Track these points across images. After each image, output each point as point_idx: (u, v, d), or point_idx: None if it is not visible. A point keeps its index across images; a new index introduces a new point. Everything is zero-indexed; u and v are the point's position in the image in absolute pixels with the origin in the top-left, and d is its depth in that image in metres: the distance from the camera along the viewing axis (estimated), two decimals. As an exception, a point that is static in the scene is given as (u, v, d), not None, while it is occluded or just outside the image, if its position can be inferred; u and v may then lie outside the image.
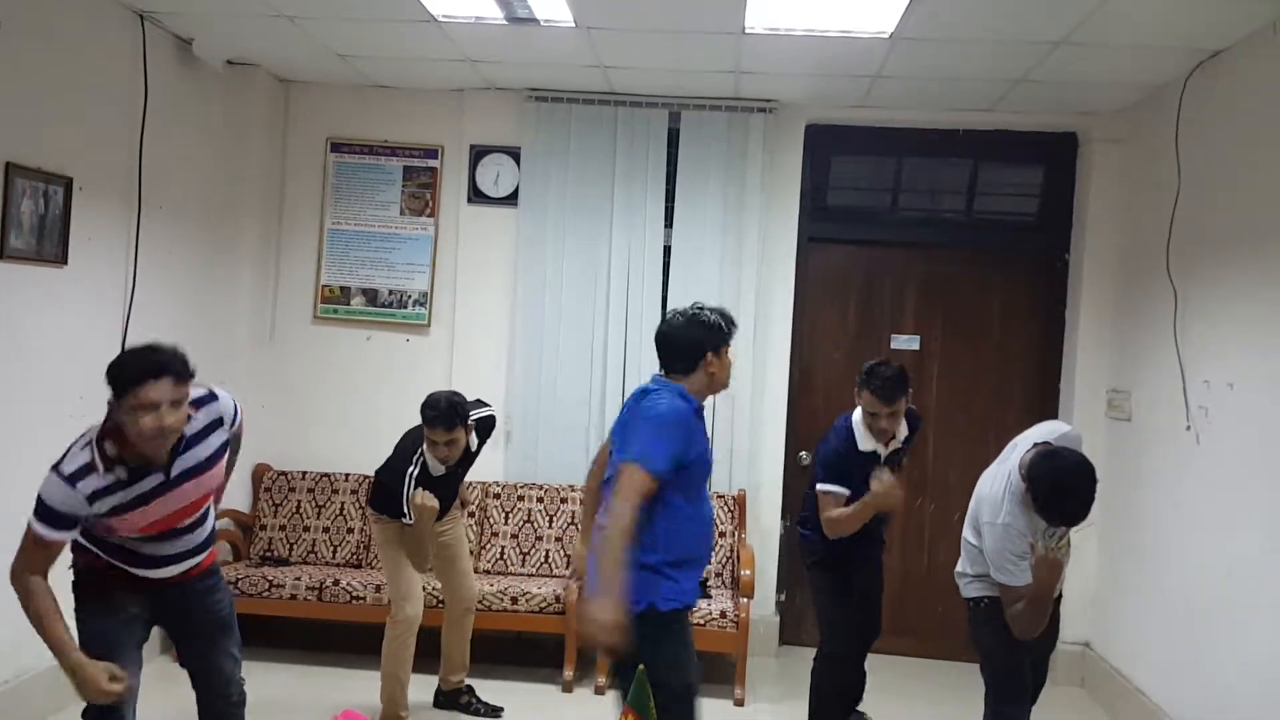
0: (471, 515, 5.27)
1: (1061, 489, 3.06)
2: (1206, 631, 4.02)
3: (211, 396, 2.84)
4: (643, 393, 3.07)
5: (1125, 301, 5.09)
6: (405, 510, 3.93)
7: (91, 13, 4.22)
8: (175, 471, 2.73)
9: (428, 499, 3.95)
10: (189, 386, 2.67)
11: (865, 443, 3.89)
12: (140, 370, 2.57)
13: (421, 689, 4.37)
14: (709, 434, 3.38)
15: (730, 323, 3.08)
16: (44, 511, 2.59)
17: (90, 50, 4.22)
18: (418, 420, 3.99)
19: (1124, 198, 5.15)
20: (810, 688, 4.21)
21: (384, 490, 4.08)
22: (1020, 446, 3.35)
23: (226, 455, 2.93)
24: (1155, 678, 4.47)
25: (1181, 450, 4.28)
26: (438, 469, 4.02)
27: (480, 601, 4.66)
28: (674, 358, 3.06)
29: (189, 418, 2.71)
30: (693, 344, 3.03)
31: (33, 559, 2.61)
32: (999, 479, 3.30)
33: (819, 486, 3.92)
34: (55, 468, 2.61)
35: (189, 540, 2.88)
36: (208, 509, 2.94)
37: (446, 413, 3.88)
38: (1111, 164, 5.21)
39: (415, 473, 3.96)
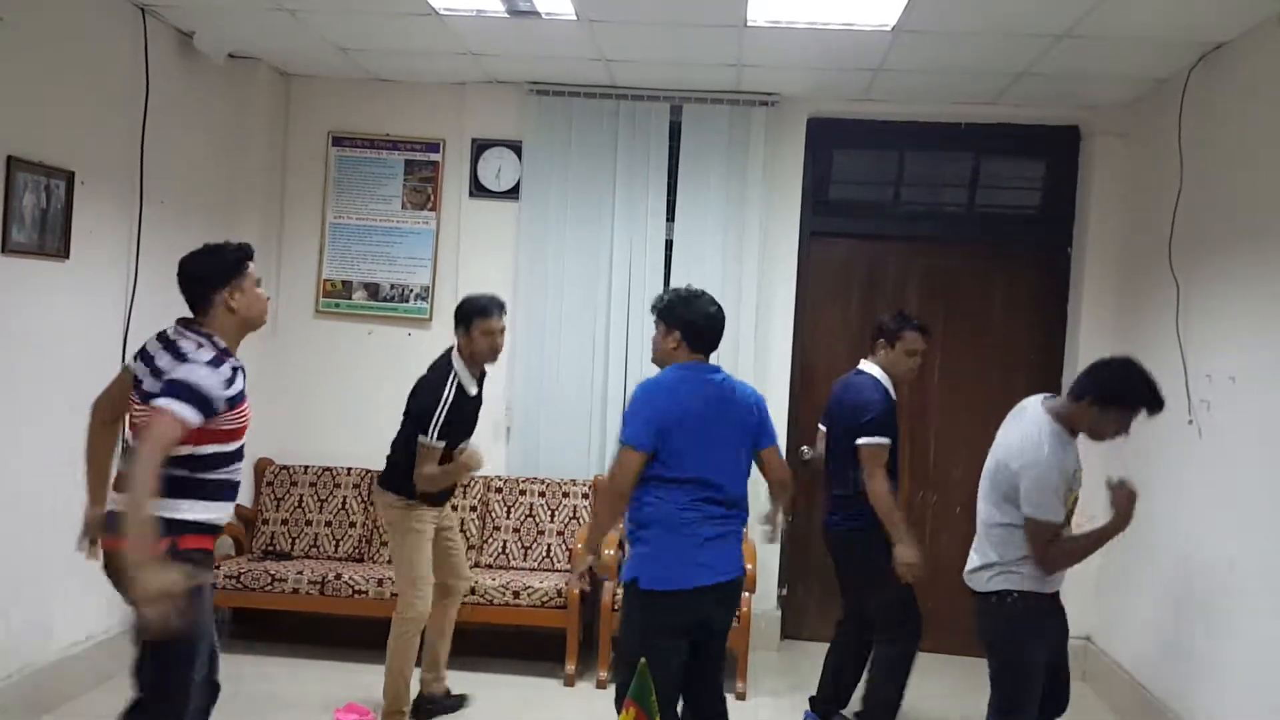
0: (473, 509, 5.28)
1: (1131, 375, 3.23)
2: (1209, 625, 4.02)
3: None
4: (731, 386, 3.36)
5: (1127, 295, 5.08)
6: (431, 436, 3.86)
7: (93, 6, 4.22)
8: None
9: (475, 458, 3.98)
10: None
11: (894, 391, 4.11)
12: (246, 252, 2.94)
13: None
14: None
15: None
16: (192, 395, 2.67)
17: (92, 43, 4.22)
18: None
19: (1126, 191, 5.15)
20: (876, 683, 4.11)
21: (399, 470, 4.01)
22: (1029, 406, 3.37)
23: None
24: (1157, 671, 4.48)
25: (1184, 443, 4.28)
26: (472, 386, 4.03)
27: (482, 596, 4.65)
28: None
29: None
30: None
31: (171, 441, 2.65)
32: (1026, 430, 3.25)
33: (870, 441, 3.92)
34: (187, 363, 2.73)
35: None
36: None
37: (493, 299, 4.08)
38: (1114, 157, 5.20)
39: (450, 396, 3.90)
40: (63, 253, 4.08)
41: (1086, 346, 5.24)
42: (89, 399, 2.98)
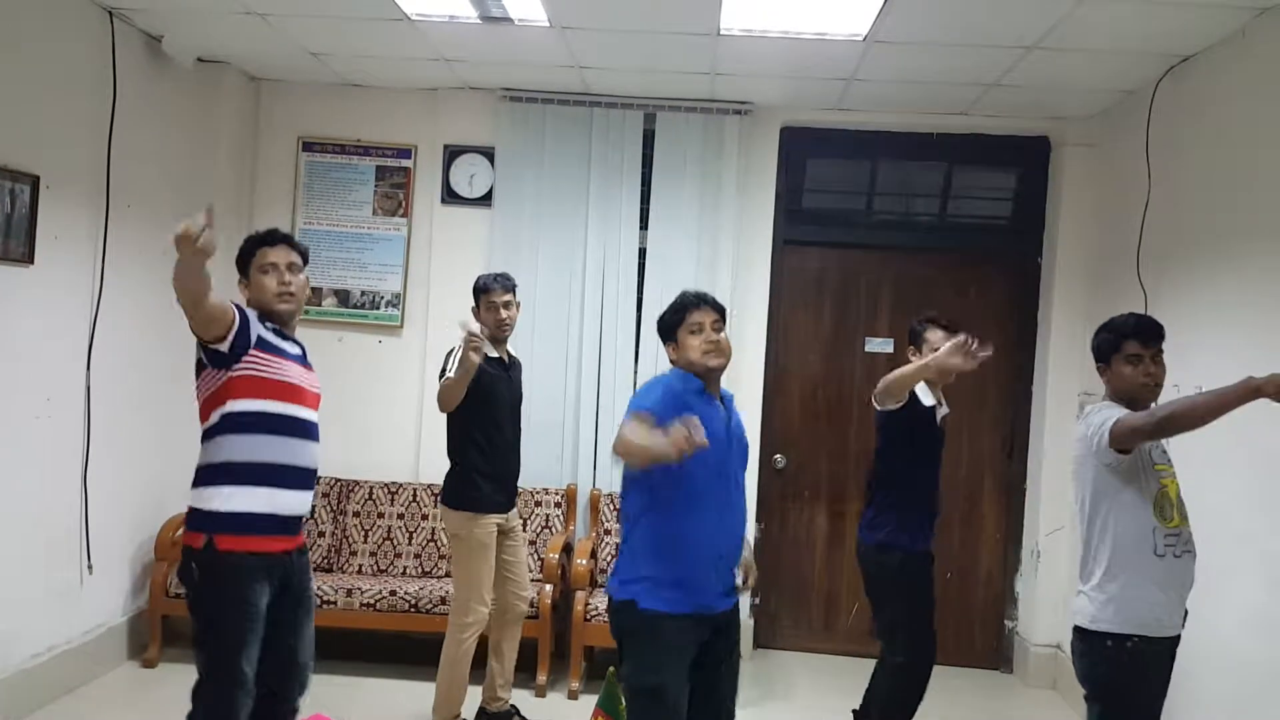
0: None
1: (1107, 321, 3.31)
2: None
3: None
4: None
5: (1096, 303, 5.11)
6: (443, 371, 4.04)
7: (59, 9, 4.16)
8: None
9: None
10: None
11: (929, 394, 4.08)
12: (261, 238, 3.20)
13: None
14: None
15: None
16: None
17: (58, 47, 4.16)
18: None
19: (1096, 201, 5.19)
20: (878, 699, 3.92)
21: (456, 480, 4.16)
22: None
23: None
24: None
25: (1152, 452, 4.30)
26: (490, 350, 4.18)
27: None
28: None
29: None
30: None
31: None
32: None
33: None
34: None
35: None
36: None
37: (496, 275, 4.31)
38: (1083, 167, 5.25)
39: (458, 349, 3.97)
40: (27, 258, 4.01)
41: (1056, 355, 5.28)
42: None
